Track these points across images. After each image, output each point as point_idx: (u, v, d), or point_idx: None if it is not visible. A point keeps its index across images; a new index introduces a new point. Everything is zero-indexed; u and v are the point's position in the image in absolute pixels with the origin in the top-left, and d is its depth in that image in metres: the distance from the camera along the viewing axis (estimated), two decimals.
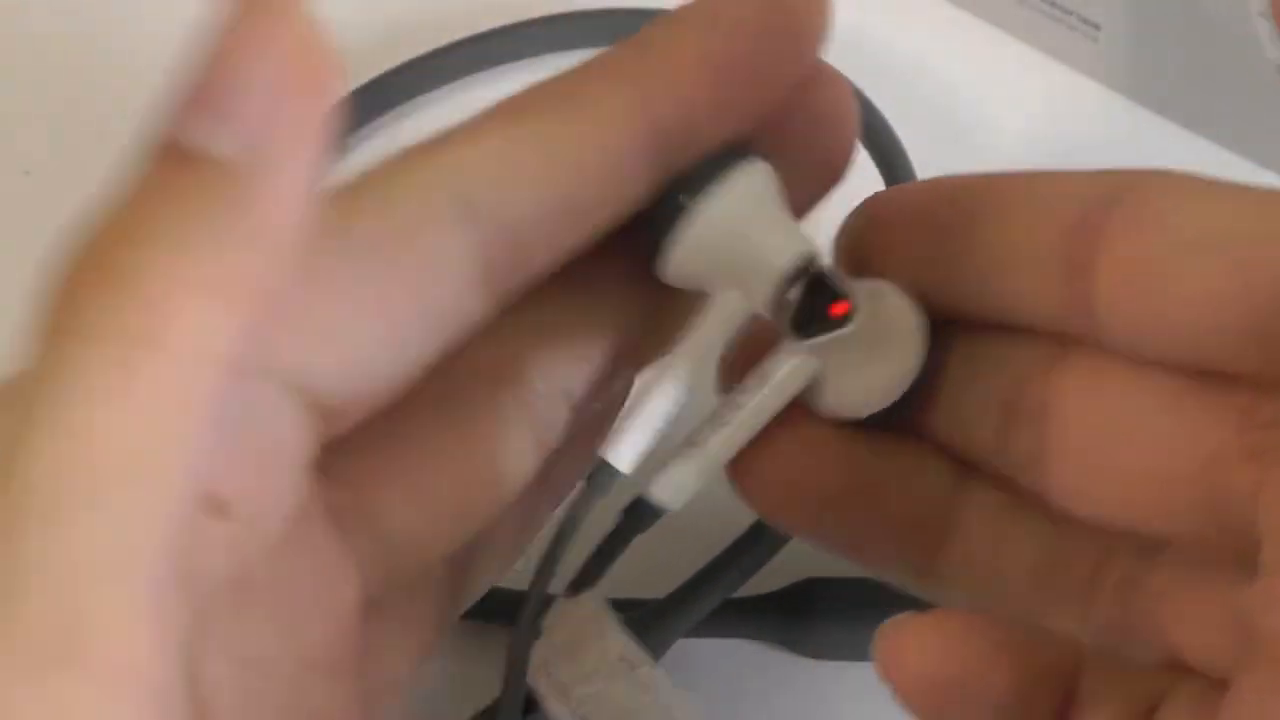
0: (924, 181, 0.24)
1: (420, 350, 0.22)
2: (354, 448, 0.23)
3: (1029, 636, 0.22)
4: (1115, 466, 0.22)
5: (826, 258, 0.23)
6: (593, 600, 0.24)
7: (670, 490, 0.24)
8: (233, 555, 0.21)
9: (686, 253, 0.23)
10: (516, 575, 0.32)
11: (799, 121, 0.24)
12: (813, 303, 0.22)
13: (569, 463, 0.26)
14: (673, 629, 0.30)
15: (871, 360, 0.23)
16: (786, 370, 0.23)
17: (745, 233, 0.23)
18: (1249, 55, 0.33)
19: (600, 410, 0.26)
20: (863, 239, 0.24)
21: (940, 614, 0.22)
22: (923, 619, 0.22)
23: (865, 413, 0.24)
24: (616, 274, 0.25)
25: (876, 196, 0.25)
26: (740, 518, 0.31)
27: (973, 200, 0.23)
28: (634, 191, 0.23)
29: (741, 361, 0.24)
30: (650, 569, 0.31)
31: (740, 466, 0.24)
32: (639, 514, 0.24)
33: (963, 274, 0.23)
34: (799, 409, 0.24)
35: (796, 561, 0.32)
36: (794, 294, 0.22)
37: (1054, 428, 0.22)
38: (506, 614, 0.31)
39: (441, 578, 0.26)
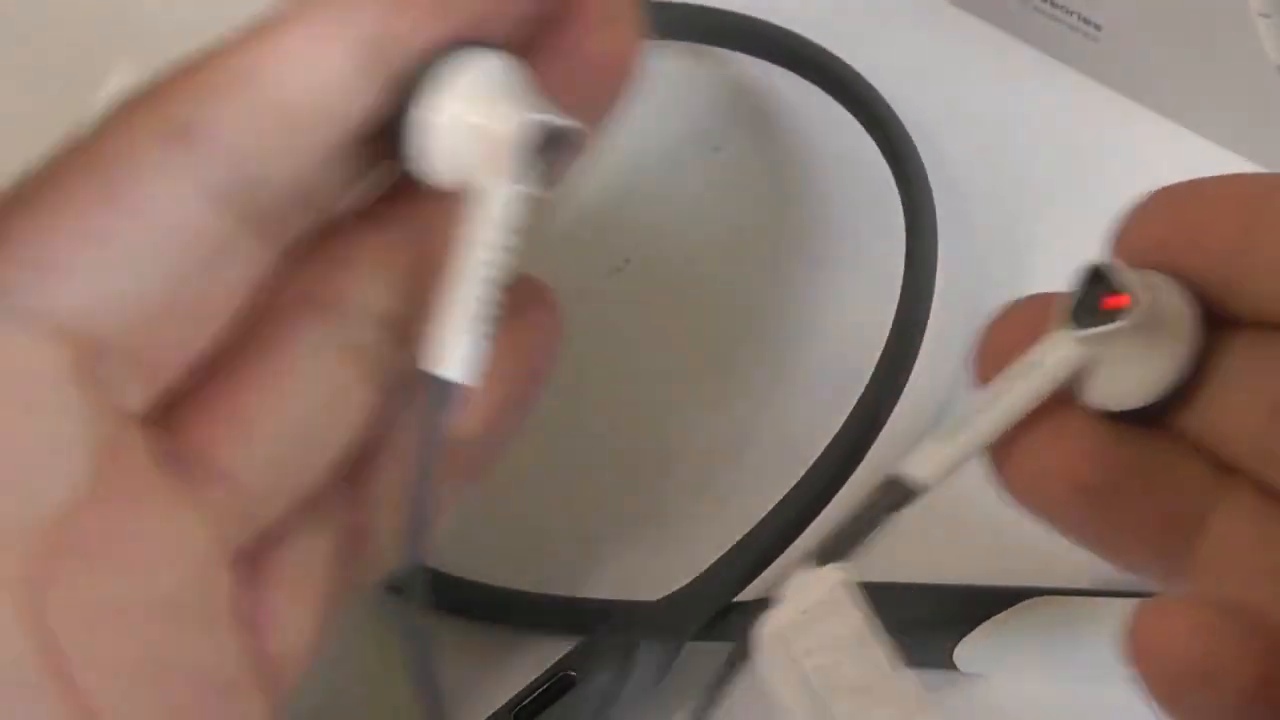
0: (1223, 177, 0.24)
1: (162, 277, 0.23)
2: (186, 399, 0.25)
3: (1272, 625, 0.22)
4: None
5: (1105, 251, 0.23)
6: (842, 572, 0.23)
7: (928, 468, 0.23)
8: (7, 490, 0.22)
9: (427, 151, 0.24)
10: (513, 575, 0.32)
11: (572, 30, 0.26)
12: (1091, 293, 0.23)
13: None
14: (680, 630, 0.30)
15: (1141, 353, 0.23)
16: (1056, 359, 0.23)
17: (475, 115, 0.24)
18: (1249, 55, 0.33)
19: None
20: (1148, 229, 0.24)
21: (1194, 599, 0.22)
22: (1176, 603, 0.22)
23: (1131, 405, 0.24)
24: (406, 192, 0.26)
25: (1169, 189, 0.24)
26: (743, 520, 0.31)
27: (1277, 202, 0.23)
28: (364, 101, 0.24)
29: (994, 349, 0.24)
30: (653, 570, 0.31)
31: (1000, 452, 0.24)
32: (894, 491, 0.24)
33: (1254, 276, 0.23)
34: (1062, 398, 0.24)
35: (796, 566, 0.32)
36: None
37: None
38: (503, 614, 0.31)
39: (328, 535, 0.26)
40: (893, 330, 0.33)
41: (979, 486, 0.33)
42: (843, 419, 0.32)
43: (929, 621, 0.30)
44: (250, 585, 0.25)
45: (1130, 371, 0.23)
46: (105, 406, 0.24)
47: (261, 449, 0.25)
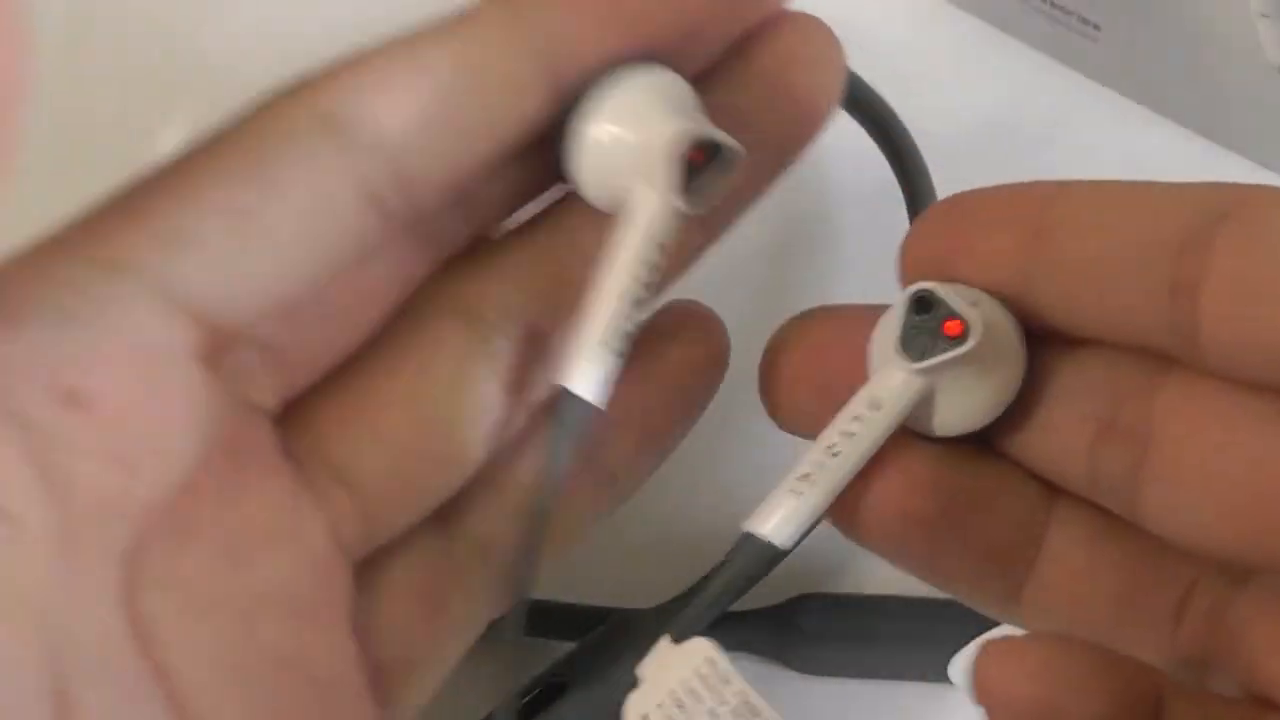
0: (1010, 186, 0.23)
1: (304, 267, 0.23)
2: (317, 398, 0.25)
3: (1121, 662, 0.22)
4: (1213, 491, 0.21)
5: (928, 282, 0.22)
6: (706, 645, 0.23)
7: (786, 530, 0.22)
8: (119, 463, 0.22)
9: (583, 166, 0.24)
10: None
11: (760, 62, 0.25)
12: (923, 323, 0.22)
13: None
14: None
15: (974, 378, 0.23)
16: (897, 395, 0.22)
17: (630, 128, 0.23)
18: (1249, 55, 0.33)
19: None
20: (940, 242, 0.24)
21: (1036, 637, 0.22)
22: (1018, 641, 0.21)
23: (963, 431, 0.23)
24: (565, 209, 0.26)
25: (955, 198, 0.24)
26: (734, 529, 0.31)
27: (1071, 208, 0.22)
28: (527, 110, 0.24)
29: (788, 376, 0.24)
30: (643, 579, 0.31)
31: (840, 497, 0.23)
32: (754, 554, 0.23)
33: (1058, 285, 0.22)
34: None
35: (790, 577, 0.32)
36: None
37: (1151, 450, 0.22)
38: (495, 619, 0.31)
39: (452, 551, 0.26)
40: None
41: None
42: None
43: (925, 635, 0.30)
44: (366, 590, 0.25)
45: (962, 397, 0.23)
46: (232, 395, 0.24)
47: (389, 455, 0.25)
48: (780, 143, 0.26)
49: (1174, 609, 0.23)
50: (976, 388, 0.23)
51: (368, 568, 0.25)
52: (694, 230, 0.25)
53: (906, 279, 0.24)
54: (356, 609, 0.25)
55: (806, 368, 0.24)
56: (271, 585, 0.24)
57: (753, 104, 0.25)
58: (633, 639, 0.29)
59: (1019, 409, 0.23)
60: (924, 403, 0.23)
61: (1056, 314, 0.22)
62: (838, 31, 0.36)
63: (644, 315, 0.24)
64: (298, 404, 0.25)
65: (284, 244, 0.23)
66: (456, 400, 0.25)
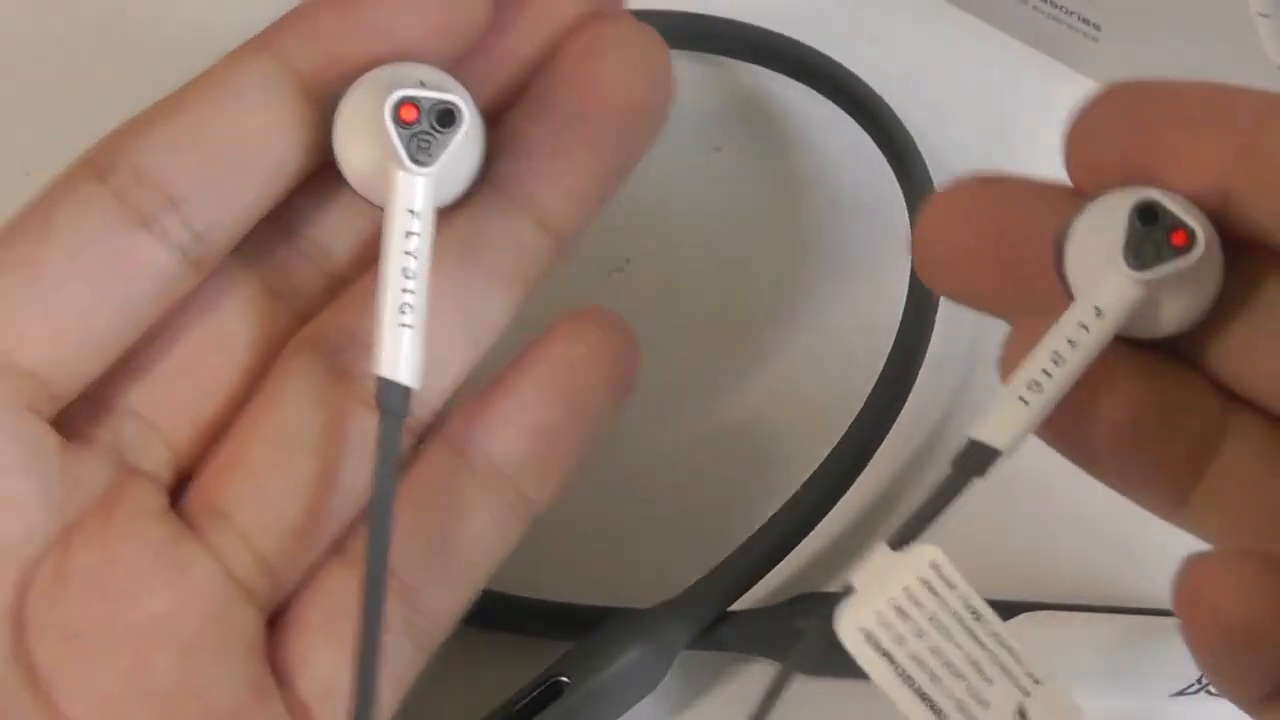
0: (1207, 86, 0.22)
1: (105, 310, 0.24)
2: (204, 454, 0.26)
3: None
4: None
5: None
6: (932, 550, 0.22)
7: (1006, 433, 0.22)
8: None
9: (347, 165, 0.25)
10: (504, 579, 0.32)
11: (565, 62, 0.26)
12: (1148, 232, 0.22)
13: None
14: (673, 638, 0.30)
15: (1183, 284, 0.22)
16: (1119, 304, 0.22)
17: (370, 119, 0.24)
18: (1249, 55, 0.33)
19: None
20: (1130, 140, 0.23)
21: (1248, 554, 0.22)
22: (1226, 558, 0.22)
23: (1161, 335, 0.23)
24: None
25: (1138, 89, 0.23)
26: (741, 527, 0.31)
27: None
28: (295, 139, 0.25)
29: (962, 246, 0.24)
30: (639, 579, 0.31)
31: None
32: (974, 457, 0.22)
33: (1272, 207, 0.22)
34: None
35: (790, 577, 0.32)
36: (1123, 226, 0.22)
37: None
38: (494, 618, 0.31)
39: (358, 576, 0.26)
40: (899, 332, 0.33)
41: (983, 501, 0.33)
42: (846, 422, 0.32)
43: None
44: (283, 629, 0.25)
45: (1167, 302, 0.23)
46: (107, 459, 0.25)
47: (268, 497, 0.25)
48: (595, 133, 0.26)
49: None
50: (1178, 293, 0.23)
51: (284, 609, 0.26)
52: (536, 233, 0.26)
53: (1081, 173, 0.23)
54: (275, 648, 0.25)
55: (966, 228, 0.24)
56: (157, 621, 0.24)
57: (556, 96, 0.26)
58: (631, 638, 0.30)
59: (1216, 318, 0.23)
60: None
61: (1263, 233, 0.22)
62: (838, 31, 0.36)
63: (420, 284, 0.24)
64: (191, 465, 0.26)
65: (70, 284, 0.24)
66: (323, 429, 0.25)
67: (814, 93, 0.36)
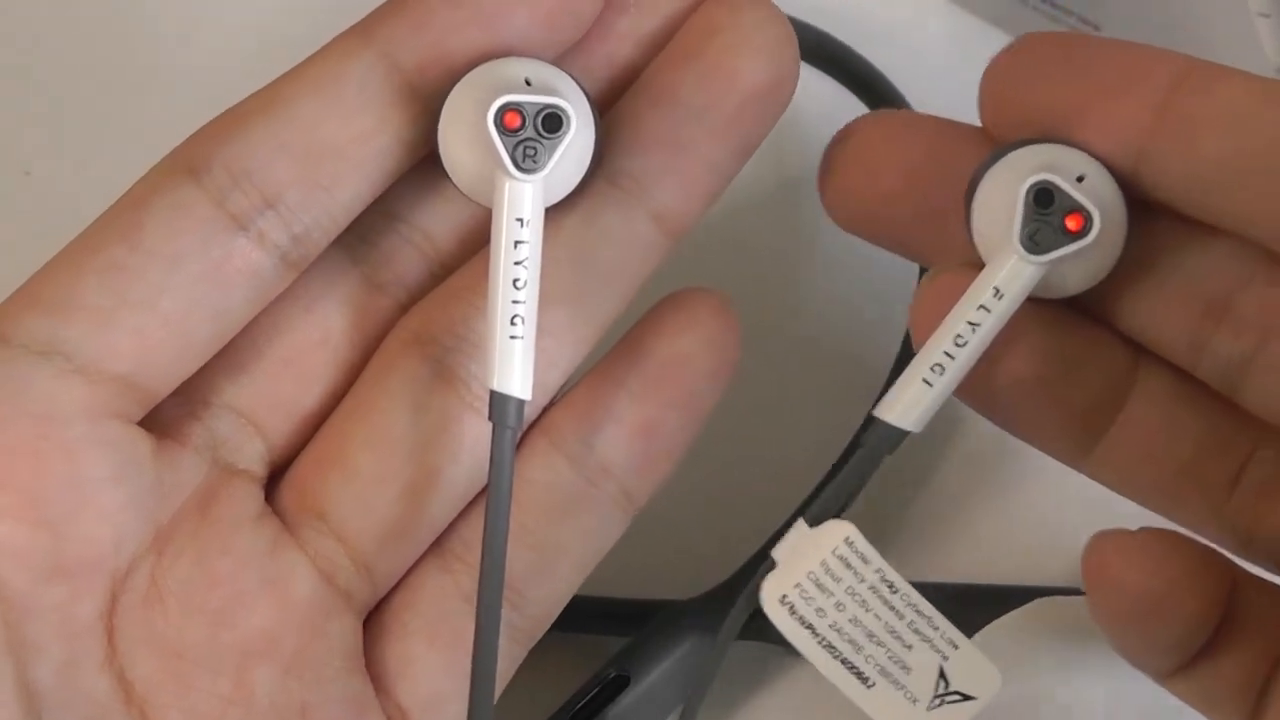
0: (1128, 45, 0.23)
1: (196, 315, 0.23)
2: (301, 452, 0.25)
3: (1214, 558, 0.23)
4: None
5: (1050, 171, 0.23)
6: (845, 526, 0.24)
7: (914, 414, 0.23)
8: (38, 524, 0.22)
9: (453, 163, 0.24)
10: None
11: (682, 44, 0.25)
12: (1044, 216, 0.23)
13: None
14: (709, 630, 0.30)
15: (1071, 258, 0.23)
16: (1019, 285, 0.23)
17: (477, 119, 0.23)
18: (1249, 55, 0.33)
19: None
20: (1046, 93, 0.23)
21: (1148, 532, 0.22)
22: (1132, 535, 0.22)
23: (1065, 295, 0.24)
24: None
25: (1057, 40, 0.23)
26: (775, 516, 0.31)
27: (1210, 94, 0.22)
28: (397, 133, 0.24)
29: (866, 186, 0.24)
30: (680, 572, 0.31)
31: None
32: (880, 438, 0.24)
33: (1183, 173, 0.22)
34: None
35: None
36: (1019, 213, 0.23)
37: (1272, 342, 0.23)
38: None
39: (467, 585, 0.25)
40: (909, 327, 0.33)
41: (985, 487, 0.33)
42: (863, 411, 0.31)
43: None
44: (382, 635, 0.25)
45: (1068, 270, 0.23)
46: (202, 460, 0.24)
47: (368, 496, 0.25)
48: (718, 124, 0.25)
49: (1230, 479, 0.24)
50: (1078, 263, 0.23)
51: (380, 612, 0.25)
52: (650, 227, 0.25)
53: (995, 121, 0.24)
54: (372, 654, 0.25)
55: (870, 167, 0.24)
56: (257, 638, 0.24)
57: (677, 85, 0.25)
58: (685, 630, 0.30)
59: (1122, 275, 0.23)
60: None
61: (1172, 197, 0.22)
62: (837, 31, 0.36)
63: (530, 292, 0.24)
64: (286, 460, 0.25)
65: (165, 294, 0.23)
66: (426, 430, 0.25)
67: (822, 88, 0.35)
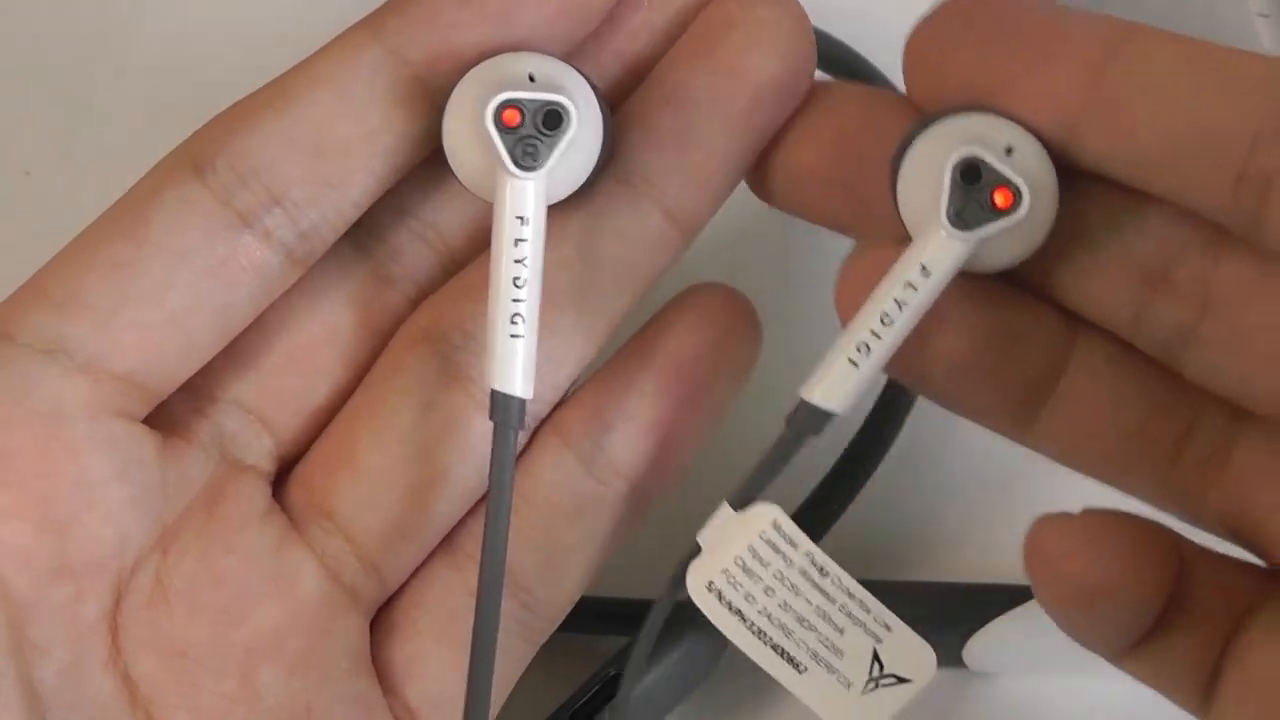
0: (1059, 10, 0.22)
1: (200, 311, 0.23)
2: (308, 448, 0.25)
3: (1160, 534, 0.22)
4: (1272, 365, 0.22)
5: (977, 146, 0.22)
6: (772, 509, 0.23)
7: (839, 395, 0.23)
8: (42, 524, 0.22)
9: (456, 158, 0.24)
10: None
11: (694, 37, 0.24)
12: (972, 192, 0.22)
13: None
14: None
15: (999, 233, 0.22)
16: (947, 263, 0.22)
17: (478, 115, 0.23)
18: None
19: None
20: (976, 60, 0.22)
21: (1090, 515, 0.22)
22: (1072, 519, 0.22)
23: (998, 269, 0.23)
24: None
25: (983, 4, 0.22)
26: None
27: (1141, 63, 0.21)
28: (404, 128, 0.24)
29: (801, 164, 0.24)
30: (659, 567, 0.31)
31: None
32: (807, 418, 0.23)
33: (1114, 145, 0.22)
34: None
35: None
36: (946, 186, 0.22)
37: (1210, 314, 0.22)
38: None
39: (473, 583, 0.25)
40: None
41: (985, 487, 0.33)
42: (864, 413, 0.32)
43: (938, 619, 0.30)
44: (389, 633, 0.25)
45: (997, 245, 0.23)
46: (208, 457, 0.24)
47: (376, 494, 0.24)
48: (731, 120, 0.24)
49: (1173, 448, 0.23)
50: (1008, 238, 0.22)
51: (388, 611, 0.25)
52: (662, 224, 0.25)
53: (920, 90, 0.23)
54: (380, 653, 0.25)
55: (796, 139, 0.24)
56: (262, 637, 0.24)
57: (690, 81, 0.24)
58: (681, 629, 0.29)
59: (1058, 246, 0.23)
60: None
61: (1104, 167, 0.22)
62: (836, 30, 0.36)
63: (531, 290, 0.23)
64: (295, 455, 0.25)
65: (169, 291, 0.23)
66: (434, 428, 0.25)
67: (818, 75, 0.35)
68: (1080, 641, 0.23)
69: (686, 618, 0.29)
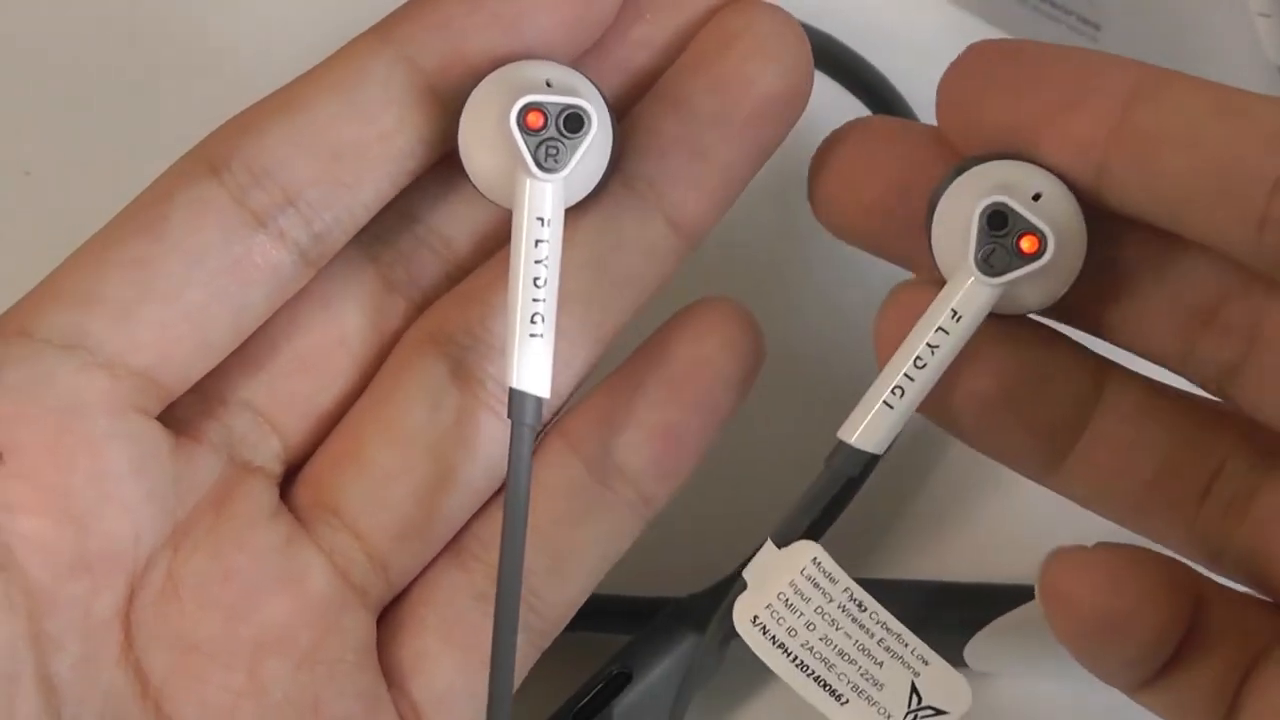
0: (1083, 54, 0.22)
1: (217, 309, 0.24)
2: (317, 449, 0.25)
3: (1176, 570, 0.23)
4: None
5: (1004, 193, 0.22)
6: (812, 546, 0.24)
7: (877, 436, 0.23)
8: (61, 518, 0.23)
9: (473, 164, 0.24)
10: None
11: (697, 50, 0.25)
12: (998, 238, 0.23)
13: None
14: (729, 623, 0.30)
15: (1028, 278, 0.23)
16: (977, 308, 0.23)
17: (498, 120, 0.23)
18: (1249, 55, 0.33)
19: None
20: (1003, 107, 0.23)
21: (1106, 549, 0.22)
22: (1088, 552, 0.22)
23: (1022, 312, 0.24)
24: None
25: (1010, 50, 0.23)
26: (768, 515, 0.31)
27: (1166, 107, 0.22)
28: (417, 132, 0.24)
29: (855, 193, 0.24)
30: (682, 568, 0.31)
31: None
32: (843, 461, 0.24)
33: (1141, 189, 0.22)
34: None
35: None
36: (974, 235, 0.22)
37: (1259, 347, 0.23)
38: None
39: (482, 584, 0.25)
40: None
41: (985, 487, 0.33)
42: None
43: (939, 620, 0.30)
44: (397, 632, 0.25)
45: (1026, 289, 0.23)
46: (218, 456, 0.24)
47: (385, 494, 0.25)
48: (733, 129, 0.25)
49: (1200, 492, 0.24)
50: (1037, 282, 0.23)
51: (395, 609, 0.25)
52: (666, 232, 0.25)
53: (954, 133, 0.24)
54: (387, 650, 0.25)
55: (858, 174, 0.24)
56: (271, 632, 0.24)
57: (693, 92, 0.25)
58: (686, 627, 0.30)
59: (1103, 286, 0.23)
60: None
61: (1134, 209, 0.22)
62: (835, 30, 0.36)
63: (550, 291, 0.24)
64: (302, 458, 0.25)
65: (186, 288, 0.23)
66: (442, 428, 0.25)
67: (823, 88, 0.36)
68: (1096, 675, 0.23)
69: (690, 619, 0.30)
